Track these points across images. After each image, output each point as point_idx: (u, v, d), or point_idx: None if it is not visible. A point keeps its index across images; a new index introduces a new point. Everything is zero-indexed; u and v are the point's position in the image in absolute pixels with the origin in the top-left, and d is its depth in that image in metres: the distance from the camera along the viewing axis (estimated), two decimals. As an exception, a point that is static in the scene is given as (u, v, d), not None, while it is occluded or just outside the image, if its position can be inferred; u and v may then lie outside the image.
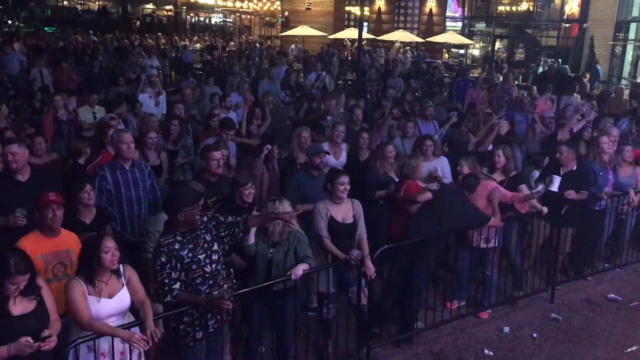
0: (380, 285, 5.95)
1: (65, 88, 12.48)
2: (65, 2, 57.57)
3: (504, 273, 6.56)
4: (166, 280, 3.99)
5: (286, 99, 10.57)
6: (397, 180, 6.40)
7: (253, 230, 4.59)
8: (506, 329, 6.03)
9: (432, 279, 6.47)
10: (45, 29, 34.85)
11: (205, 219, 4.23)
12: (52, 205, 4.15)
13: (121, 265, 3.94)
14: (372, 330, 5.57)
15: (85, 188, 4.93)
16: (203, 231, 4.18)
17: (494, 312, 6.34)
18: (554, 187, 6.43)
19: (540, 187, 6.22)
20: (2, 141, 5.65)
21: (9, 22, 42.69)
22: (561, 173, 6.65)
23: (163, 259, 3.99)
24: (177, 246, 4.04)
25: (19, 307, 3.46)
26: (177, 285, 4.01)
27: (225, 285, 4.26)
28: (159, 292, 4.06)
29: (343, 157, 7.14)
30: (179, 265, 4.03)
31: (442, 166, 6.80)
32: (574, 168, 6.75)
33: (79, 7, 56.21)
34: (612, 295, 6.78)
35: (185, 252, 4.05)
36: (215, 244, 4.23)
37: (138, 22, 41.22)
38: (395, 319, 5.91)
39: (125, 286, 3.92)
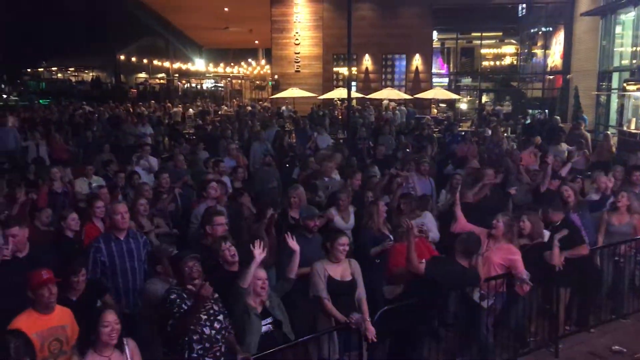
0: (381, 349, 5.83)
1: (59, 159, 12.59)
2: (59, 75, 58.80)
3: (507, 328, 6.45)
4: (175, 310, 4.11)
5: (267, 160, 10.62)
6: (390, 237, 6.41)
7: (249, 273, 4.57)
8: (512, 387, 5.90)
9: (434, 337, 6.35)
10: (40, 101, 35.39)
11: (217, 295, 4.35)
12: (47, 284, 4.10)
13: (124, 339, 3.88)
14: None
15: (80, 272, 4.77)
16: (211, 300, 4.28)
17: (499, 370, 6.20)
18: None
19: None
20: (2, 223, 5.65)
21: (4, 96, 43.42)
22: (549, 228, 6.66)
23: (173, 297, 4.18)
24: (185, 295, 4.19)
25: None
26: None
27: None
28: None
29: (352, 219, 7.16)
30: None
31: (427, 221, 6.81)
32: (558, 223, 6.75)
33: (73, 79, 57.38)
34: (617, 347, 6.65)
35: (190, 304, 4.17)
36: (221, 316, 4.31)
37: (135, 90, 42.02)
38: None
39: (128, 356, 3.86)
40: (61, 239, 6.22)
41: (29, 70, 57.50)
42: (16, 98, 42.56)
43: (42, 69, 58.63)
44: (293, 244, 5.17)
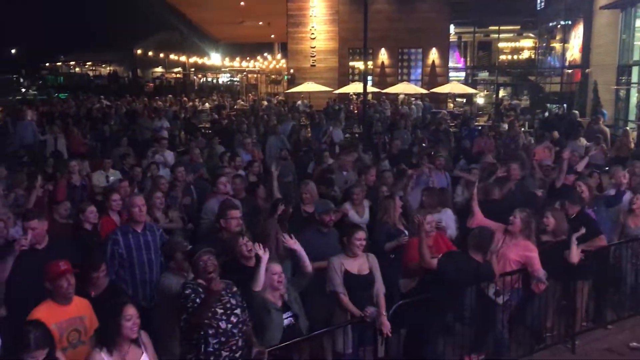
0: (396, 343, 5.83)
1: (77, 152, 12.73)
2: (77, 69, 59.37)
3: (522, 324, 6.42)
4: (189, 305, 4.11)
5: (283, 154, 10.65)
6: (405, 232, 6.39)
7: (259, 276, 4.57)
8: (528, 383, 5.87)
9: (449, 331, 6.34)
10: (59, 95, 35.78)
11: (235, 289, 4.35)
12: (65, 275, 4.16)
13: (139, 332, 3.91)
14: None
15: (100, 268, 4.81)
16: (229, 294, 4.28)
17: (514, 365, 6.17)
18: None
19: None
20: (22, 216, 5.74)
21: (23, 90, 43.96)
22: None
23: (187, 292, 4.16)
24: (200, 290, 4.17)
25: None
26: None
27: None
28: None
29: (366, 214, 7.15)
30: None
31: (445, 218, 6.77)
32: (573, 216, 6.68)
33: (91, 73, 57.91)
34: (635, 343, 6.58)
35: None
36: (238, 309, 4.29)
37: (151, 85, 42.31)
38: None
39: (144, 354, 3.88)
40: (79, 231, 6.30)
41: (47, 64, 58.12)
42: (35, 92, 43.05)
43: (60, 63, 59.21)
44: (291, 243, 5.06)
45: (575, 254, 6.15)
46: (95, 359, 3.70)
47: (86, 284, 4.68)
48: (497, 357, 6.18)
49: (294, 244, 5.01)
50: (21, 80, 50.24)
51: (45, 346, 3.37)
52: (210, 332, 4.14)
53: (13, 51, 53.49)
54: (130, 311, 3.76)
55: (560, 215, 6.40)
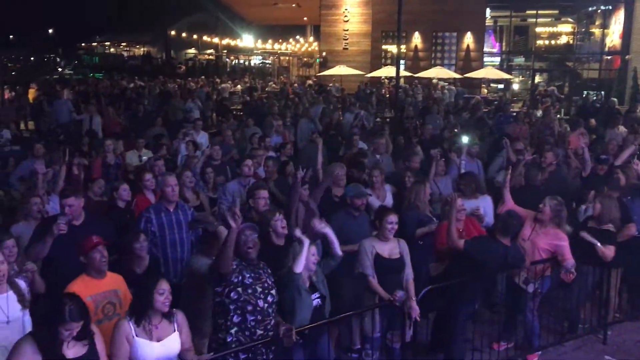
0: (424, 329, 5.83)
1: (111, 132, 12.92)
2: (112, 50, 60.12)
3: (553, 313, 6.35)
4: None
5: (314, 137, 10.57)
6: (435, 219, 6.34)
7: (301, 259, 4.59)
8: (557, 373, 5.82)
9: (478, 318, 6.31)
10: (94, 75, 36.34)
11: (269, 270, 4.46)
12: (98, 247, 4.28)
13: (174, 310, 3.97)
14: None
15: (139, 239, 4.95)
16: (265, 274, 4.39)
17: (544, 355, 6.11)
18: None
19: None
20: (60, 193, 5.87)
21: (59, 69, 44.77)
22: None
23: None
24: (243, 265, 4.30)
25: (72, 350, 3.50)
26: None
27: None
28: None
29: (388, 198, 7.07)
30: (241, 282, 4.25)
31: (484, 205, 6.67)
32: None
33: (125, 54, 58.60)
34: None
35: (248, 275, 4.27)
36: (274, 290, 4.39)
37: (183, 67, 42.65)
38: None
39: (176, 331, 3.94)
40: (113, 209, 6.43)
41: (83, 44, 58.97)
42: (71, 72, 43.80)
43: (95, 44, 60.02)
44: (322, 227, 4.97)
45: (606, 252, 6.04)
46: (121, 325, 3.78)
47: (130, 261, 4.77)
48: (526, 345, 6.15)
49: (325, 227, 4.98)
50: (58, 59, 51.19)
51: (80, 319, 3.43)
52: (249, 308, 4.23)
53: (50, 31, 54.38)
54: (164, 286, 3.83)
55: (610, 204, 6.25)
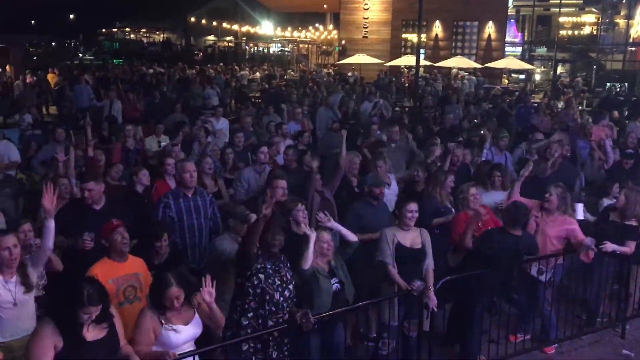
0: (441, 318, 5.81)
1: (130, 117, 12.99)
2: (132, 36, 60.39)
3: (571, 305, 6.29)
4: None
5: (334, 126, 10.54)
6: (452, 210, 6.31)
7: (309, 253, 4.60)
8: (574, 366, 5.77)
9: (495, 310, 6.28)
10: (114, 60, 36.54)
11: (289, 265, 4.52)
12: (118, 229, 4.33)
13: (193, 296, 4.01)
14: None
15: (162, 238, 4.81)
16: (285, 268, 4.45)
17: (561, 347, 6.07)
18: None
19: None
20: (79, 177, 5.93)
21: (80, 55, 45.07)
22: None
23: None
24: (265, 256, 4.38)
25: (92, 333, 3.53)
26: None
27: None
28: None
29: (393, 185, 7.11)
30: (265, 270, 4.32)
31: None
32: None
33: (145, 40, 58.78)
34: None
35: (269, 266, 4.35)
36: (291, 285, 4.45)
37: (201, 53, 42.69)
38: (455, 353, 5.75)
39: (196, 314, 4.01)
40: (131, 194, 6.47)
41: (103, 30, 59.28)
42: (91, 57, 44.11)
43: (115, 30, 60.29)
44: (325, 220, 4.99)
45: (627, 250, 5.97)
46: (147, 316, 3.83)
47: (151, 255, 4.79)
48: (543, 338, 6.11)
49: (329, 221, 5.00)
50: (78, 45, 51.54)
51: (98, 302, 3.45)
52: (266, 297, 4.28)
53: (71, 16, 54.75)
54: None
55: (635, 197, 6.12)
